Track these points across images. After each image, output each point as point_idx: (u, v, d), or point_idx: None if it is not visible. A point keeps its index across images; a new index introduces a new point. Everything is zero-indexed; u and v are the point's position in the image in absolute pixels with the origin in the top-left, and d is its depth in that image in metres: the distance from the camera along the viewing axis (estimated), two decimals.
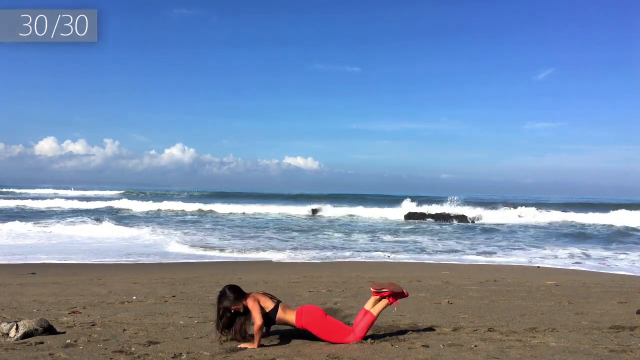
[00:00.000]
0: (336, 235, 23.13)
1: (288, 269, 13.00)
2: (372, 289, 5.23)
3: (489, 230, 26.30)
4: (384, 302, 5.17)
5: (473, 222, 32.31)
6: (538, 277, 11.27)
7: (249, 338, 4.96)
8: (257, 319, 4.90)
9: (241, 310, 5.02)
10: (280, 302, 5.11)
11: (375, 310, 5.13)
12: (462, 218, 33.46)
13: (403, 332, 5.45)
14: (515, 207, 38.69)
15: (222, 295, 5.08)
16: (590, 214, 33.71)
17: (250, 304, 4.98)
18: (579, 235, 23.82)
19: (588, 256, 16.79)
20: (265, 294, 5.14)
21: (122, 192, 74.31)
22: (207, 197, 64.48)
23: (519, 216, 34.47)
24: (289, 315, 5.02)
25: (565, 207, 42.56)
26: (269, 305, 5.02)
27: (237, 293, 5.07)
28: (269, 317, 5.01)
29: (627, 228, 27.13)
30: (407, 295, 5.33)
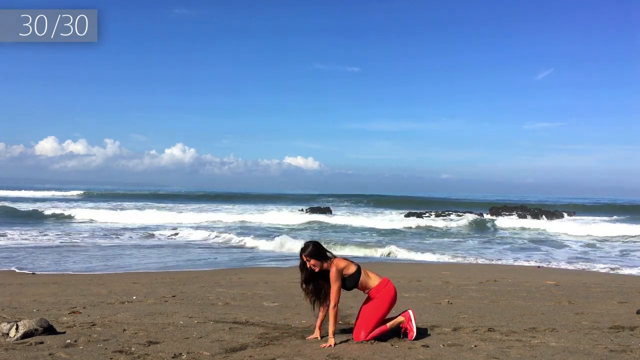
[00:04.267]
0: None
1: (288, 270, 13.01)
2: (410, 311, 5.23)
3: None
4: (400, 320, 5.17)
5: None
6: (538, 277, 11.27)
7: (323, 301, 5.04)
8: (334, 297, 4.93)
9: (316, 270, 5.01)
10: (359, 265, 5.14)
11: (389, 323, 5.15)
12: None
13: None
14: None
15: (303, 248, 5.10)
16: None
17: (334, 275, 4.95)
18: None
19: None
20: (344, 259, 5.12)
21: (81, 192, 74.52)
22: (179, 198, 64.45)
23: None
24: (371, 281, 5.10)
25: None
26: (352, 269, 5.04)
27: (318, 250, 5.03)
28: (353, 281, 5.03)
29: None
30: (411, 338, 5.13)
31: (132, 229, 25.61)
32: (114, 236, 22.24)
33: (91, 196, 68.38)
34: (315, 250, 5.01)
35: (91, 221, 30.69)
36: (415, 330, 5.08)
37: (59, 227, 26.50)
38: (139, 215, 33.79)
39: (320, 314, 5.21)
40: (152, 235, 22.95)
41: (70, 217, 32.55)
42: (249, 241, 20.61)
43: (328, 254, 5.08)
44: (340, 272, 4.98)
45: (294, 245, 18.21)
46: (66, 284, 9.78)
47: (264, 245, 19.58)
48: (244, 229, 26.66)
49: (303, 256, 5.04)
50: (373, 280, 5.12)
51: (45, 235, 21.65)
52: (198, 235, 22.97)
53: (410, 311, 5.19)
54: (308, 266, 5.02)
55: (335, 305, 4.94)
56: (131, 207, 42.90)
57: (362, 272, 5.09)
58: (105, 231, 24.28)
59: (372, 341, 5.02)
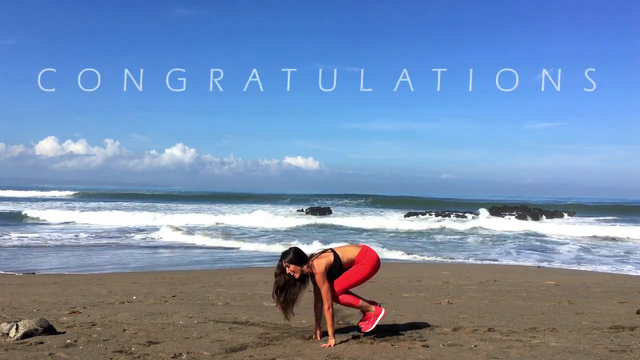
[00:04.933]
0: None
1: None
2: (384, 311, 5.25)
3: None
4: (371, 308, 5.17)
5: None
6: (538, 277, 11.27)
7: (291, 308, 5.06)
8: (326, 299, 4.93)
9: (296, 276, 5.00)
10: (333, 249, 5.15)
11: (362, 302, 5.15)
12: None
13: (403, 332, 5.45)
14: None
15: (283, 254, 5.08)
16: None
17: (320, 279, 4.94)
18: None
19: None
20: (320, 256, 5.08)
21: (76, 193, 74.86)
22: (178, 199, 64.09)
23: None
24: (351, 254, 5.12)
25: None
26: (331, 258, 5.05)
27: (298, 256, 5.02)
28: (338, 267, 5.05)
29: None
30: (364, 331, 5.18)
31: (91, 231, 24.33)
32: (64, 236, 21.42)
33: (84, 196, 68.28)
34: (295, 256, 5.00)
35: (66, 223, 28.92)
36: (372, 328, 5.09)
37: (25, 228, 25.08)
38: (120, 217, 32.30)
39: (316, 316, 5.22)
40: (118, 237, 21.85)
41: (41, 219, 30.64)
42: (226, 243, 20.30)
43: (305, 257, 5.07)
44: (324, 273, 4.97)
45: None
46: (66, 284, 9.78)
47: (246, 246, 19.38)
48: (230, 231, 26.44)
49: (283, 262, 5.02)
50: (352, 252, 5.14)
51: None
52: (168, 237, 22.09)
53: (383, 310, 5.20)
54: (287, 272, 5.01)
55: (329, 307, 4.93)
56: (118, 208, 42.10)
57: (339, 254, 5.08)
58: (64, 232, 23.19)
59: (372, 340, 5.02)
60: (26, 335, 4.89)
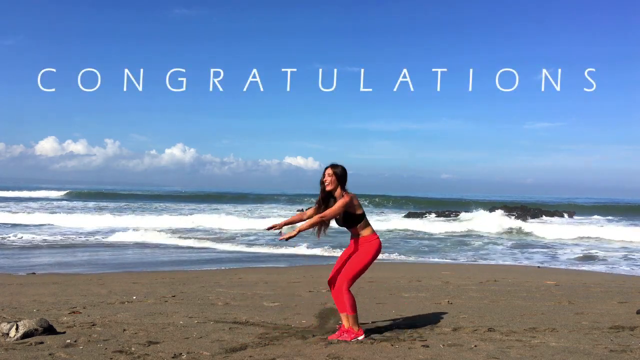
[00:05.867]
0: None
1: (288, 269, 13.02)
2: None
3: None
4: (356, 325, 5.11)
5: None
6: (538, 277, 11.27)
7: (323, 227, 5.13)
8: (329, 213, 4.96)
9: (328, 187, 5.04)
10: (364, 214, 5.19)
11: (356, 315, 5.09)
12: None
13: (403, 332, 5.45)
14: None
15: (333, 164, 5.11)
16: None
17: (346, 201, 4.94)
18: None
19: None
20: (355, 196, 5.11)
21: (65, 192, 74.51)
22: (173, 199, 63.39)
23: None
24: (366, 230, 5.16)
25: None
26: (360, 211, 5.09)
27: (343, 174, 5.07)
28: (357, 219, 5.09)
29: None
30: (330, 338, 5.12)
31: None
32: None
33: (73, 197, 67.67)
34: (341, 171, 5.06)
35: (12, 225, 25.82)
36: (344, 341, 5.02)
37: None
38: (89, 219, 30.23)
39: (294, 217, 5.29)
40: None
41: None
42: (209, 244, 19.90)
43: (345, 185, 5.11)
44: (351, 203, 4.99)
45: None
46: (66, 284, 9.79)
47: (235, 247, 19.04)
48: (215, 231, 26.11)
49: (329, 169, 5.06)
50: (368, 230, 5.18)
51: None
52: (131, 238, 20.96)
53: (363, 334, 5.10)
54: (325, 178, 5.04)
55: (323, 217, 4.96)
56: (103, 209, 41.50)
57: (365, 217, 5.17)
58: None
59: (372, 340, 5.02)
60: (26, 335, 4.89)
